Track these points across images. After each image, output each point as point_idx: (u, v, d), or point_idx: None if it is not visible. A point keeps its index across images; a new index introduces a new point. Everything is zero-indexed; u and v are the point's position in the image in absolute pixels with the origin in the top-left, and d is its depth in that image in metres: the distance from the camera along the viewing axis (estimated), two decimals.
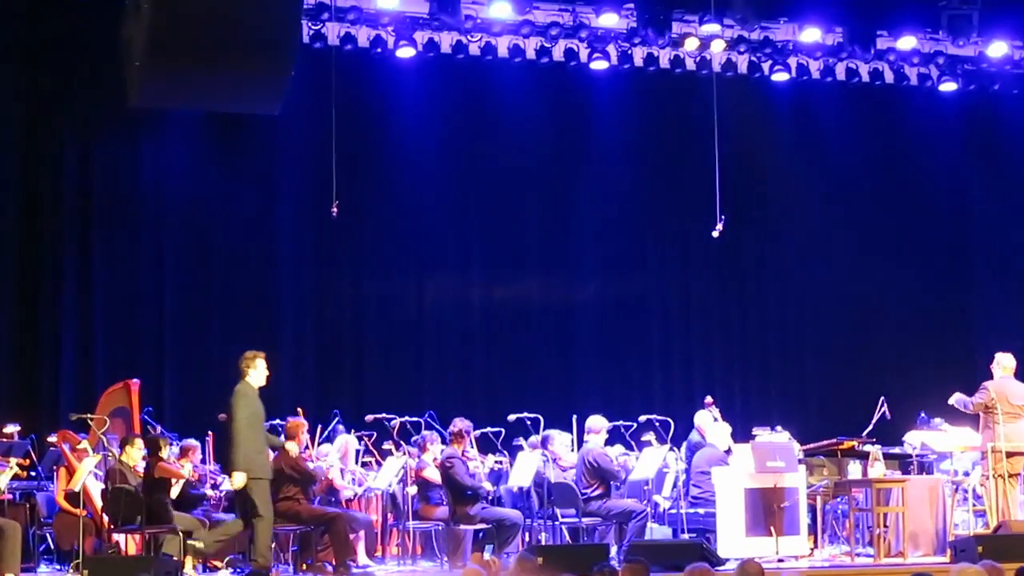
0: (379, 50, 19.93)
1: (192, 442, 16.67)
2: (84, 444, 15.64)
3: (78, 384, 18.96)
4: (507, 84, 20.77)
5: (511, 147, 21.23)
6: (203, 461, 16.87)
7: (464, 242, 21.31)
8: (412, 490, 16.41)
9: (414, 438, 16.81)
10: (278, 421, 16.49)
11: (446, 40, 20.21)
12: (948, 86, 22.08)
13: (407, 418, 17.06)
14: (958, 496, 17.20)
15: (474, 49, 20.29)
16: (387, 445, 16.81)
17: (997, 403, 16.26)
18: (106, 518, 14.96)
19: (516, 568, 11.40)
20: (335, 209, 18.35)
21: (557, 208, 21.68)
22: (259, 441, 14.77)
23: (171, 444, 16.16)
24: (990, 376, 16.79)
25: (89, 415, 15.86)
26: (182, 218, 20.01)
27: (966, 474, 17.48)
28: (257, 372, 14.81)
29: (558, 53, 20.55)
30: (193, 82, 16.26)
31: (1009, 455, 16.20)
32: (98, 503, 15.43)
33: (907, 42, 21.23)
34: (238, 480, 14.59)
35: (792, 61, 21.35)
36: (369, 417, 17.15)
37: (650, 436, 17.02)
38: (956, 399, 16.68)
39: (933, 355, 22.25)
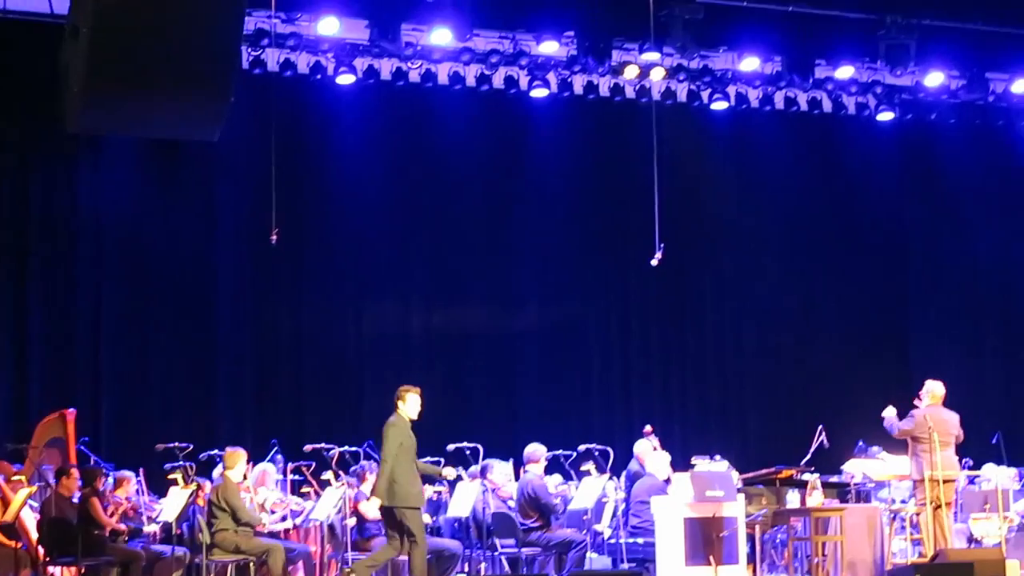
0: (319, 76, 19.91)
1: (126, 473, 16.49)
2: (19, 475, 15.46)
3: (13, 414, 18.76)
4: (447, 111, 20.77)
5: (451, 174, 21.23)
6: (138, 492, 16.70)
7: (404, 269, 21.23)
8: (351, 521, 16.32)
9: (353, 468, 16.72)
10: (216, 451, 16.37)
11: (386, 67, 20.19)
12: (885, 115, 22.26)
13: (346, 448, 16.97)
14: (896, 525, 17.26)
15: (414, 76, 20.28)
16: (326, 475, 16.69)
17: (933, 431, 16.30)
18: (41, 550, 14.81)
19: None
20: (275, 236, 18.22)
21: (497, 235, 21.65)
22: (411, 472, 14.78)
23: (106, 475, 16.01)
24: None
25: (25, 445, 15.70)
26: (120, 245, 19.86)
27: (903, 502, 17.54)
28: (409, 405, 15.04)
29: (498, 80, 20.59)
30: (132, 108, 16.06)
31: (946, 482, 16.27)
32: (33, 535, 15.25)
33: (845, 71, 21.38)
34: (371, 507, 14.79)
35: (731, 90, 21.46)
36: (308, 447, 17.04)
37: (589, 465, 17.00)
38: (887, 420, 16.68)
39: (871, 383, 22.29)
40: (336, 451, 16.73)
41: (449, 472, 15.48)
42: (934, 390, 16.91)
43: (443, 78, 20.40)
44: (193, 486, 15.55)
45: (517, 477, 17.02)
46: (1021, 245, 23.48)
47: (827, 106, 22.04)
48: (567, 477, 17.61)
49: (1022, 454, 20.05)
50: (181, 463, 16.01)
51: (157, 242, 19.99)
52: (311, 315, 20.70)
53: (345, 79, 19.93)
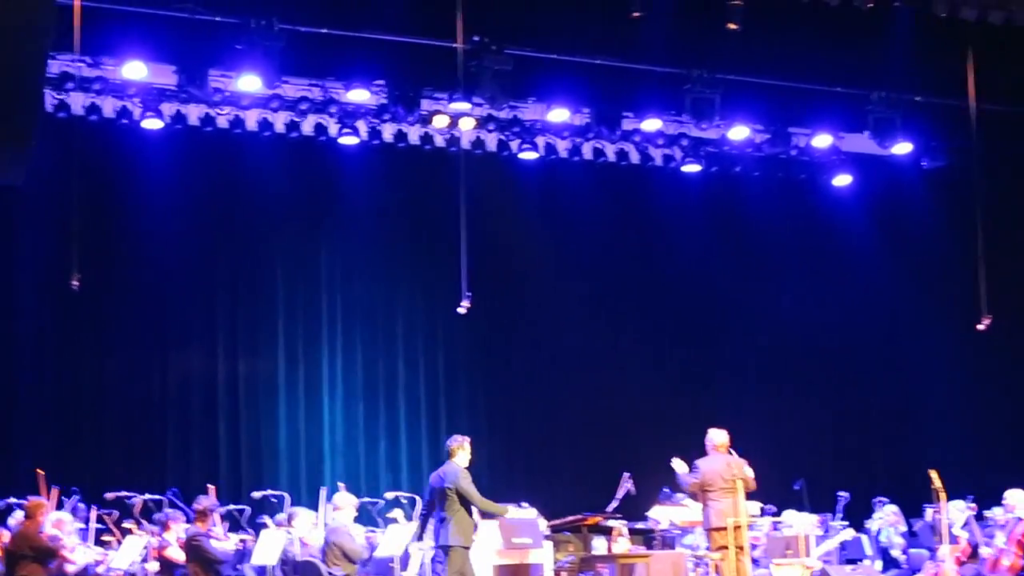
0: (125, 121, 19.63)
1: None
2: None
3: None
4: (256, 157, 20.64)
5: (259, 221, 21.11)
6: None
7: (209, 316, 20.98)
8: (153, 567, 16.04)
9: (156, 516, 16.45)
10: (13, 500, 16.02)
11: (194, 112, 20.01)
12: (692, 167, 22.60)
13: (148, 496, 16.70)
14: (700, 570, 17.39)
15: (223, 122, 20.13)
16: (128, 523, 16.41)
17: (713, 480, 16.44)
18: None
19: None
20: (76, 282, 17.94)
21: (305, 283, 21.53)
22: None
23: None
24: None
25: None
26: None
27: (708, 548, 17.68)
28: (465, 453, 15.72)
29: (308, 127, 20.49)
30: None
31: (735, 528, 16.42)
32: None
33: (652, 124, 21.63)
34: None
35: (540, 140, 21.64)
36: (110, 495, 16.75)
37: (396, 513, 16.91)
38: (679, 476, 16.82)
39: (678, 430, 22.51)
40: (139, 499, 16.46)
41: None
42: (715, 439, 17.03)
43: (252, 124, 20.28)
44: None
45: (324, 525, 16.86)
46: (822, 294, 23.94)
47: (634, 157, 22.32)
48: (375, 525, 17.49)
49: (824, 501, 20.37)
50: None
51: None
52: (114, 361, 20.36)
53: (152, 124, 19.69)
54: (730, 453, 16.71)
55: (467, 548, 15.37)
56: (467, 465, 15.63)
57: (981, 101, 20.89)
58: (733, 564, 16.46)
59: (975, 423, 23.93)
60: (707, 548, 16.98)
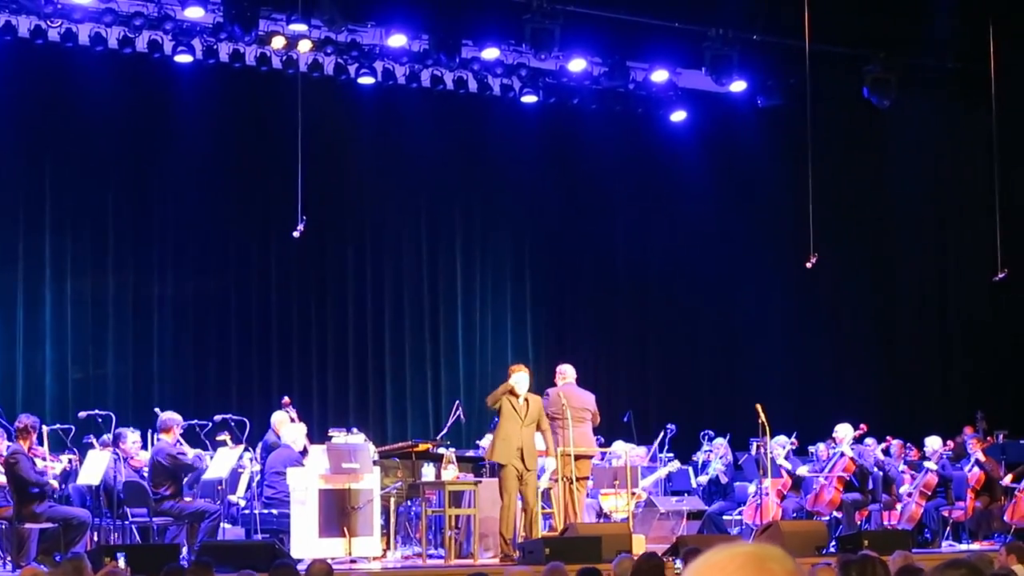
0: None
1: None
2: None
3: None
4: (88, 72, 20.17)
5: (90, 138, 20.70)
6: None
7: (36, 235, 20.50)
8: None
9: None
10: None
11: (24, 24, 19.52)
12: (529, 98, 22.60)
13: None
14: None
15: (54, 35, 19.65)
16: None
17: (566, 409, 16.59)
18: None
19: None
20: None
21: (135, 202, 21.16)
22: None
23: None
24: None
25: None
26: None
27: (539, 477, 17.79)
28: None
29: (141, 44, 20.09)
30: None
31: (577, 458, 16.57)
32: None
33: (491, 53, 21.59)
34: None
35: (378, 65, 21.44)
36: None
37: (225, 436, 16.77)
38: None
39: (513, 358, 22.66)
40: None
41: None
42: (566, 372, 17.25)
43: (84, 38, 19.82)
44: None
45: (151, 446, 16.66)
46: (655, 229, 24.15)
47: (473, 86, 22.25)
48: (203, 447, 17.31)
49: (651, 432, 20.60)
50: None
51: None
52: None
53: None
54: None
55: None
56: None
57: (816, 41, 21.11)
58: (562, 492, 16.59)
59: (800, 360, 24.36)
60: (542, 472, 17.14)
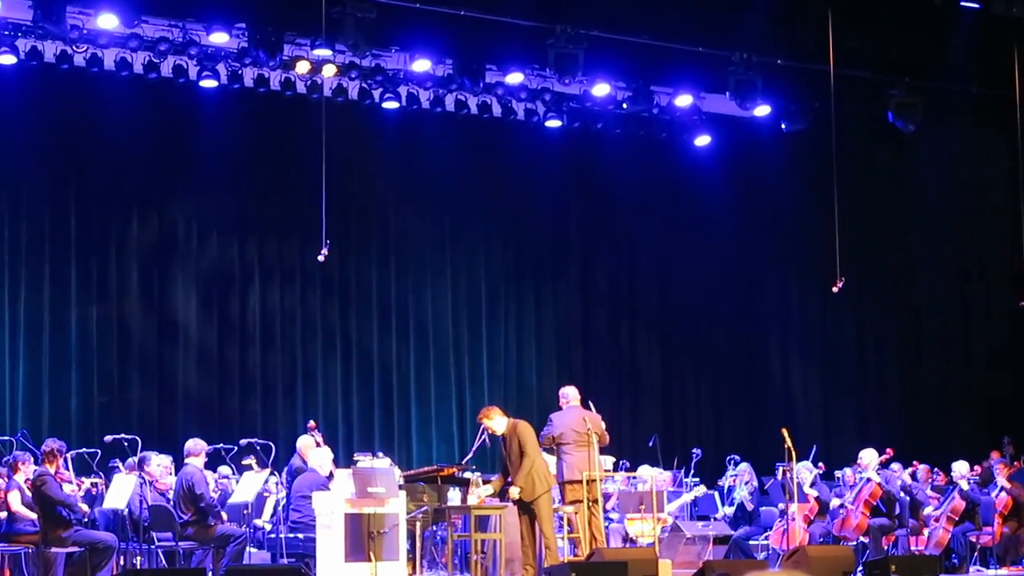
0: None
1: None
2: None
3: None
4: (113, 97, 20.21)
5: (115, 162, 20.76)
6: None
7: (62, 259, 20.55)
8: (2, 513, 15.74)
9: (5, 458, 16.12)
10: None
11: (50, 49, 19.57)
12: (553, 122, 22.60)
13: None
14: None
15: (79, 60, 19.71)
16: None
17: (566, 434, 16.48)
18: None
19: None
20: None
21: (160, 226, 21.19)
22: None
23: None
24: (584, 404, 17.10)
25: None
26: None
27: (560, 502, 17.72)
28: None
29: (167, 69, 20.13)
30: None
31: (589, 482, 16.46)
32: None
33: (515, 77, 21.60)
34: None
35: (403, 90, 21.46)
36: None
37: (251, 460, 16.75)
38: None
39: (540, 384, 22.66)
40: None
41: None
42: (569, 395, 17.09)
43: (109, 63, 19.87)
44: None
45: (177, 470, 16.64)
46: (679, 254, 24.12)
47: (497, 110, 22.26)
48: (230, 471, 17.30)
49: (677, 457, 20.54)
50: None
51: None
52: None
53: (5, 59, 19.26)
54: (588, 408, 16.79)
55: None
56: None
57: (840, 66, 21.10)
58: (586, 517, 16.51)
59: (826, 384, 24.29)
60: (560, 502, 17.02)
